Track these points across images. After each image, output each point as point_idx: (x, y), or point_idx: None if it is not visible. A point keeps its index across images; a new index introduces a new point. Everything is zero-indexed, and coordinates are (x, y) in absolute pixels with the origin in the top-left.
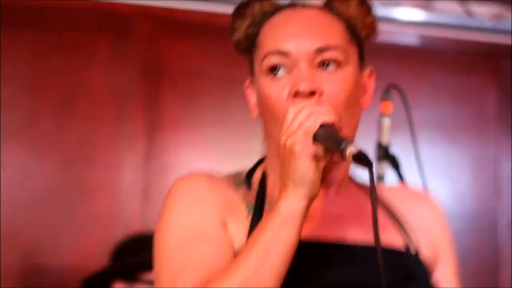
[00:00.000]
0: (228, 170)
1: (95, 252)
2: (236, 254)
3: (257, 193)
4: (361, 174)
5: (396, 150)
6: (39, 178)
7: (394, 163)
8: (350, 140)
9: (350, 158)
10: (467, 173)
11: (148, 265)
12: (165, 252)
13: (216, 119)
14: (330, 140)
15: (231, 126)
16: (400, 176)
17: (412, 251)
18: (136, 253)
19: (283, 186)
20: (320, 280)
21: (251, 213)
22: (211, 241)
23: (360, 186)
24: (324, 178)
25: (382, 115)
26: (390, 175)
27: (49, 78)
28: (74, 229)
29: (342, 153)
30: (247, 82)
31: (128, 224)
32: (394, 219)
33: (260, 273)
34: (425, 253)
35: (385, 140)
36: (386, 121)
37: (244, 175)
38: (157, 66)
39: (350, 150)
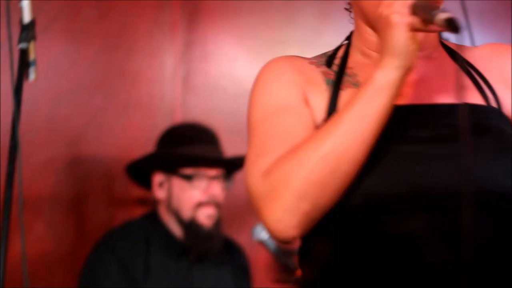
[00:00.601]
0: (265, 59)
1: (137, 140)
2: (317, 126)
3: (337, 68)
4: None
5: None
6: (81, 66)
7: None
8: (443, 9)
9: (441, 24)
10: None
11: (187, 160)
12: (253, 125)
13: (254, 8)
14: (425, 10)
15: (269, 15)
16: None
17: (492, 106)
18: (179, 144)
19: (381, 57)
20: (403, 140)
21: (330, 87)
22: (293, 113)
23: (448, 50)
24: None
25: None
26: None
27: None
28: (117, 117)
29: (433, 20)
30: None
31: (170, 111)
32: (475, 78)
33: (350, 138)
34: (508, 106)
35: None
36: None
37: (329, 53)
38: None
39: (441, 17)
